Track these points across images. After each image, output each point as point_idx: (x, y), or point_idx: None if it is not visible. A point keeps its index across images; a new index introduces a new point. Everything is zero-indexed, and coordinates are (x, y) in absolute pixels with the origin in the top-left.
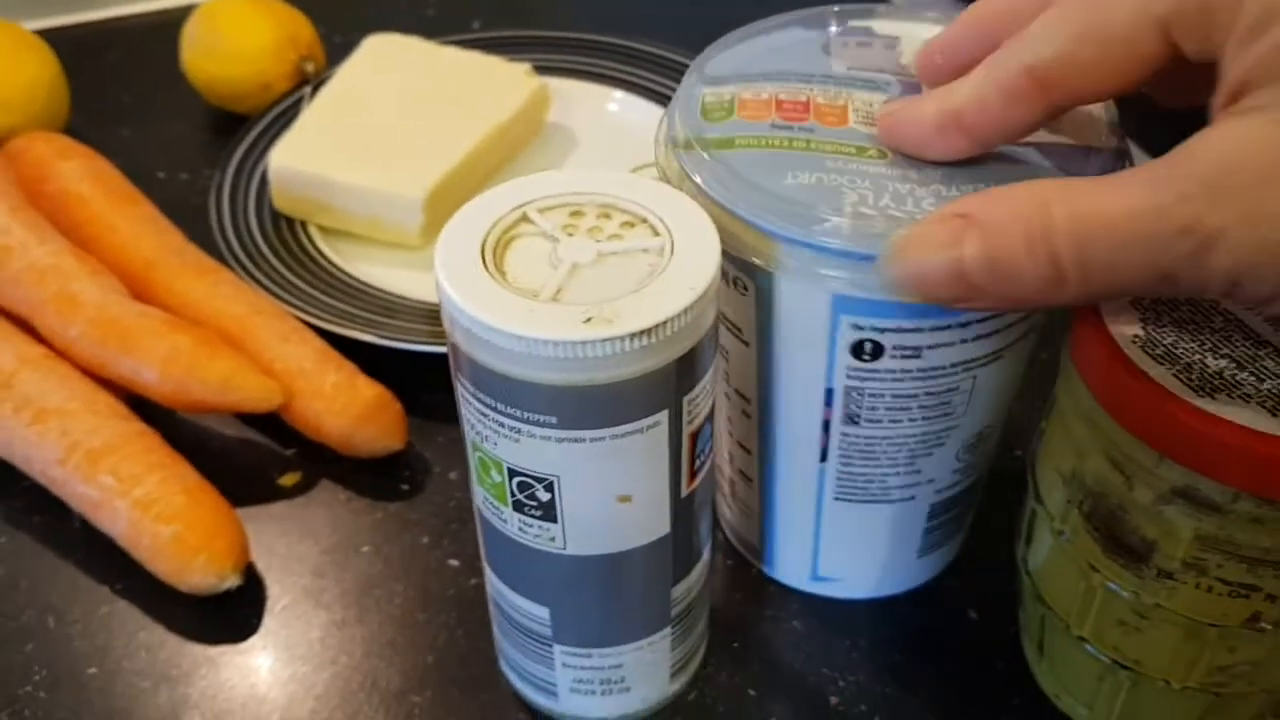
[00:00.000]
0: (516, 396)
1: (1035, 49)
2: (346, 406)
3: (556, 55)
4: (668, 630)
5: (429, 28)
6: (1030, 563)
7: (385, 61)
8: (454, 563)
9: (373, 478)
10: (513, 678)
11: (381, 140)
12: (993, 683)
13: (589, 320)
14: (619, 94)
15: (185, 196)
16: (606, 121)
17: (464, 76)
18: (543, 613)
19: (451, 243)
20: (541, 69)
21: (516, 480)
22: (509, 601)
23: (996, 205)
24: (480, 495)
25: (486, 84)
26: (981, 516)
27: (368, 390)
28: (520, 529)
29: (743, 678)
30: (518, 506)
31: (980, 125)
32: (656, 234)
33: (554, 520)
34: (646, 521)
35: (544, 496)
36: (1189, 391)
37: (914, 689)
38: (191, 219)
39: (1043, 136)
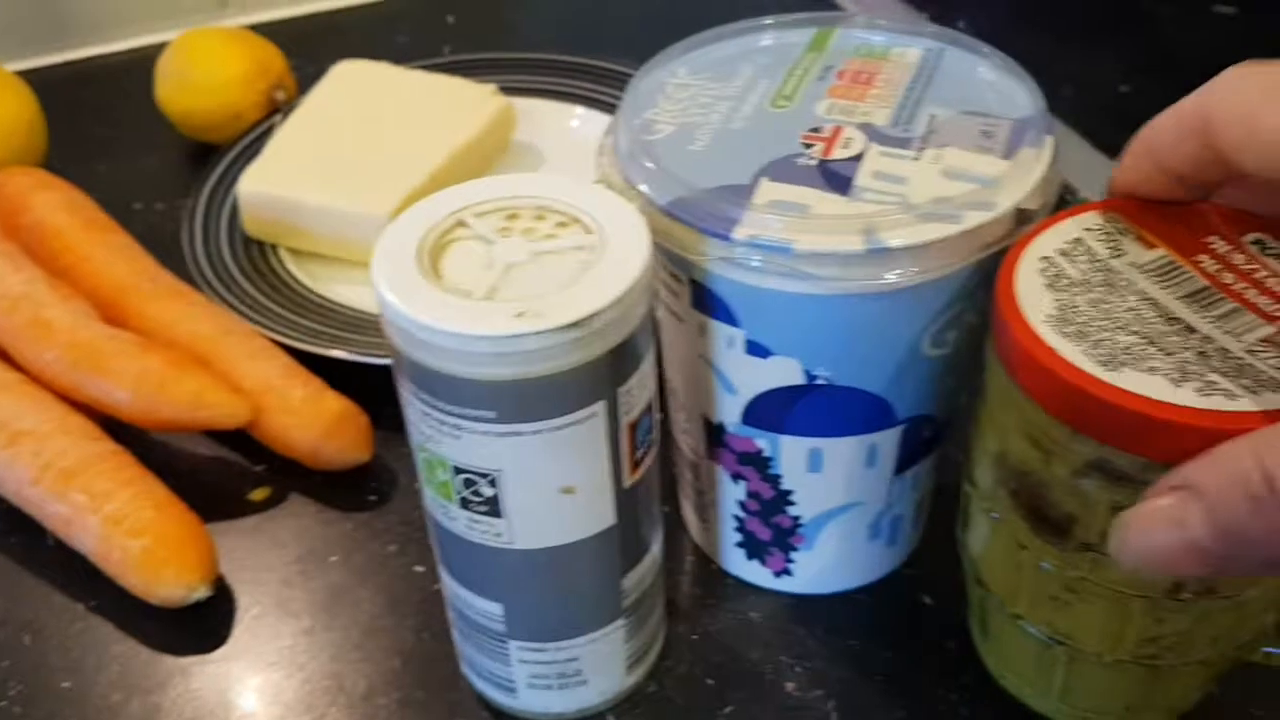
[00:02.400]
0: (455, 393)
1: None
2: (314, 420)
3: (523, 76)
4: (621, 622)
5: (401, 54)
6: (969, 546)
7: (352, 86)
8: (420, 569)
9: (341, 490)
10: (473, 677)
11: (348, 162)
12: (945, 665)
13: (521, 315)
14: (580, 110)
15: (161, 225)
16: (570, 138)
17: (430, 98)
18: (496, 609)
19: (388, 249)
20: (508, 89)
21: (461, 477)
22: (463, 600)
23: (1213, 472)
24: (429, 495)
25: (452, 105)
26: (940, 507)
27: (334, 404)
28: (468, 526)
29: (701, 668)
30: (464, 503)
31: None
32: (589, 232)
33: (499, 515)
34: (591, 513)
35: (488, 492)
36: (1098, 366)
37: (869, 673)
38: (167, 247)
39: None
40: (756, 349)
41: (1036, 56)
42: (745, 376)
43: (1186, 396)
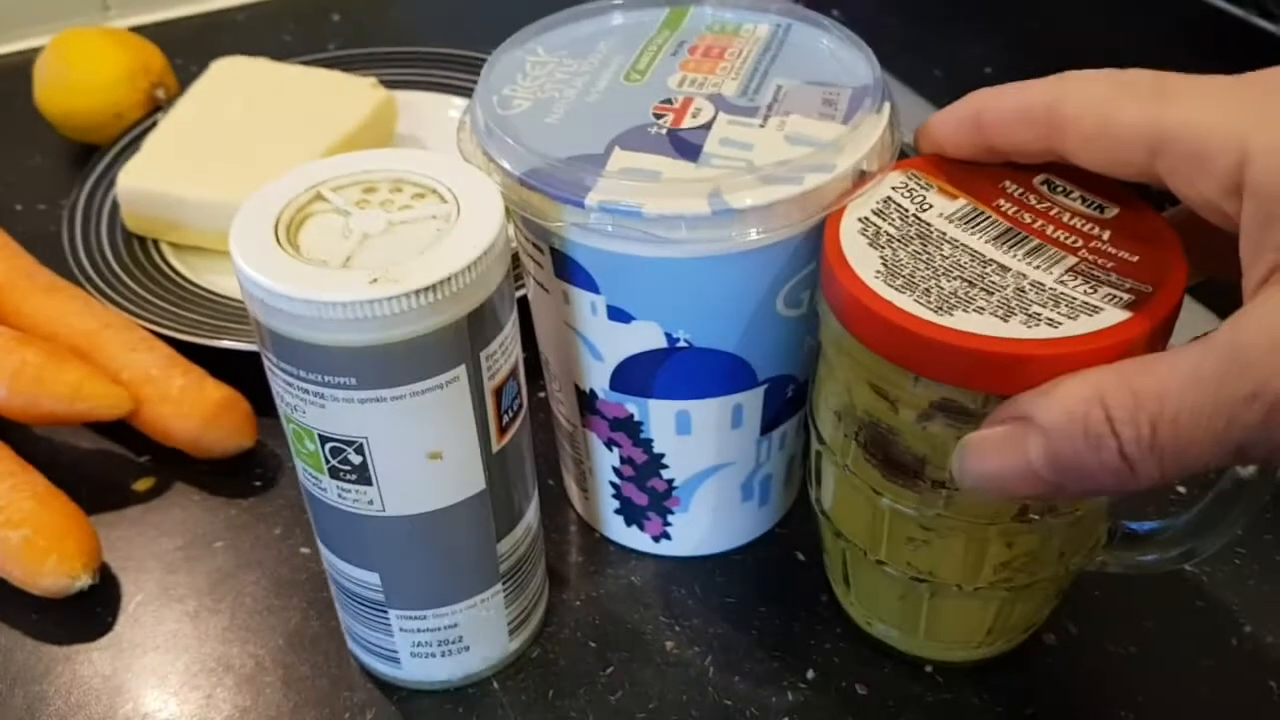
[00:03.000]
0: (316, 361)
1: None
2: (194, 408)
3: (405, 69)
4: (499, 587)
5: (286, 52)
6: (824, 502)
7: (232, 82)
8: (305, 550)
9: (225, 477)
10: (357, 650)
11: (227, 156)
12: (817, 617)
13: (375, 281)
14: (460, 100)
15: (43, 225)
16: (451, 127)
17: (310, 92)
18: (373, 578)
19: (245, 223)
20: (390, 83)
21: (329, 446)
22: (341, 571)
23: (1052, 406)
24: (300, 468)
25: (333, 98)
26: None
27: (215, 392)
28: (339, 495)
29: (584, 632)
30: (334, 473)
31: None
32: (444, 202)
33: (369, 483)
34: (460, 478)
35: (356, 459)
36: (929, 312)
37: (745, 628)
38: (49, 247)
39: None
40: (618, 314)
41: (910, 41)
42: (610, 342)
43: (1015, 330)
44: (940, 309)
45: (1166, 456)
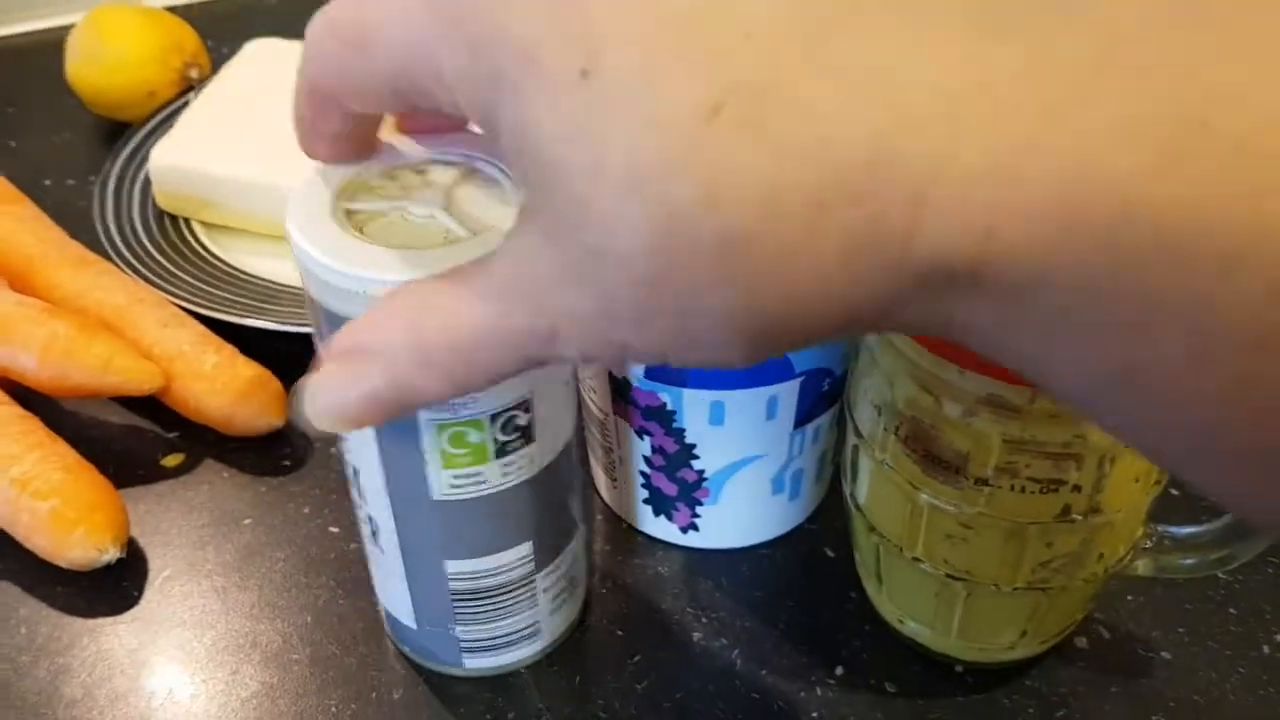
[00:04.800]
0: None
1: None
2: (227, 385)
3: None
4: (582, 527)
5: None
6: (858, 497)
7: (265, 63)
8: (334, 529)
9: (254, 455)
10: (475, 661)
11: (260, 136)
12: (847, 615)
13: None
14: None
15: (72, 201)
16: None
17: None
18: (526, 548)
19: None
20: None
21: (499, 421)
22: (486, 572)
23: (386, 333)
24: (440, 485)
25: None
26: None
27: (247, 370)
28: (503, 474)
29: (611, 620)
30: (500, 451)
31: None
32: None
33: (531, 439)
34: (573, 409)
35: (524, 419)
36: None
37: (773, 622)
38: (77, 223)
39: None
40: None
41: None
42: None
43: None
44: None
45: (477, 377)
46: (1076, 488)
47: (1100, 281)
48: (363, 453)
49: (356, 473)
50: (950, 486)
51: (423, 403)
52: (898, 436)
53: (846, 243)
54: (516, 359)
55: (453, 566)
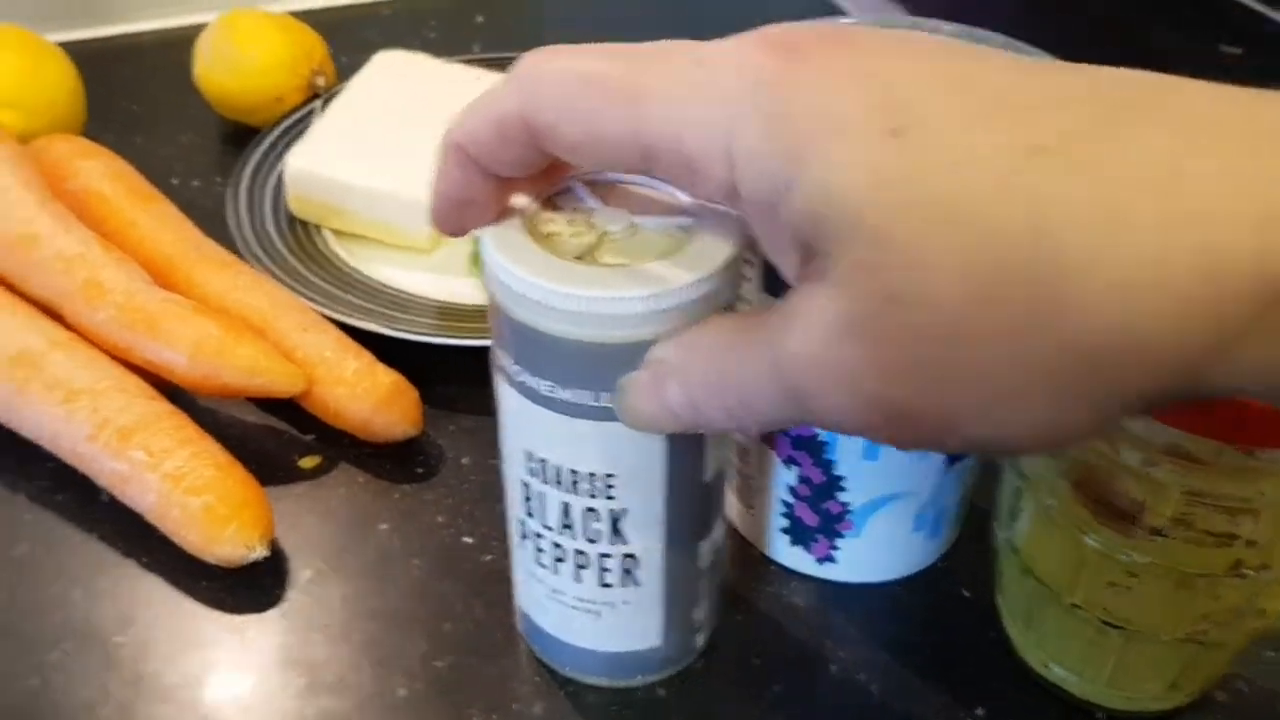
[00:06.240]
0: None
1: None
2: (368, 392)
3: None
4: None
5: (431, 49)
6: (1015, 540)
7: (394, 75)
8: (468, 540)
9: (389, 462)
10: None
11: (392, 147)
12: (986, 655)
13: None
14: None
15: (198, 201)
16: None
17: (469, 90)
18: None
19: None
20: None
21: None
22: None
23: (689, 354)
24: (710, 466)
25: None
26: (976, 504)
27: (386, 377)
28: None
29: (746, 649)
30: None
31: None
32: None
33: None
34: None
35: None
36: None
37: (911, 659)
38: (204, 222)
39: None
40: None
41: None
42: None
43: None
44: None
45: (753, 418)
46: (1250, 542)
47: None
48: (637, 483)
49: (619, 515)
50: (1121, 535)
51: (707, 428)
52: (1069, 481)
53: (1195, 261)
54: (787, 421)
55: (705, 546)
